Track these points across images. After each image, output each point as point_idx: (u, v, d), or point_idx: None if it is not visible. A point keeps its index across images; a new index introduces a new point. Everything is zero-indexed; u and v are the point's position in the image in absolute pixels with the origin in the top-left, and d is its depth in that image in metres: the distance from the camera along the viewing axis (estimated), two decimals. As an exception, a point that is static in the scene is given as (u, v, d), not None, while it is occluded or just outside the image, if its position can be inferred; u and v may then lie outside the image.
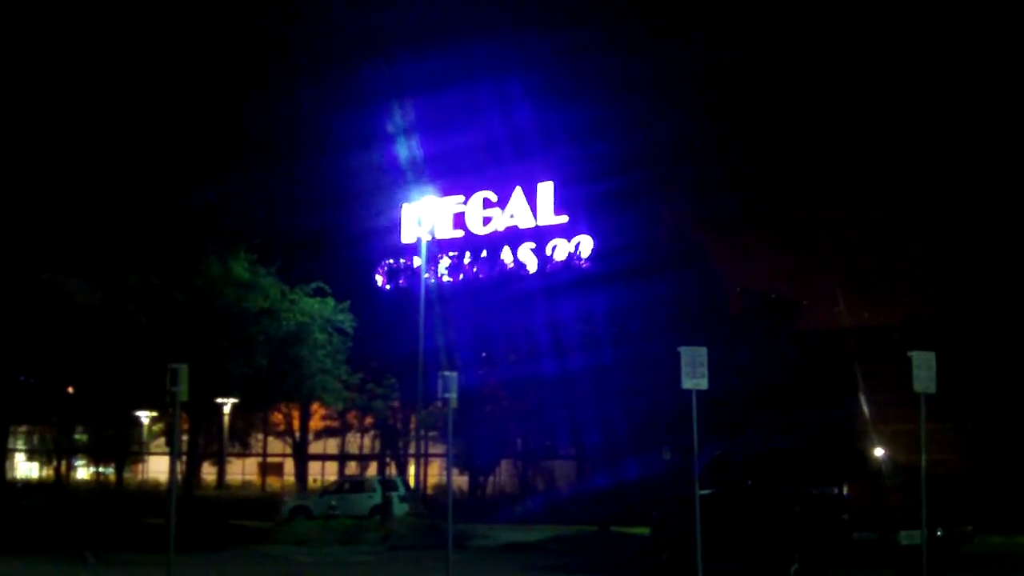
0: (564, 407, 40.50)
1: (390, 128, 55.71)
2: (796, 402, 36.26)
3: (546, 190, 57.11)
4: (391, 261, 60.09)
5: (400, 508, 39.63)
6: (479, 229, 58.89)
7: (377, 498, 41.02)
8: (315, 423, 59.42)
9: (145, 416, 55.87)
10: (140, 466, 65.68)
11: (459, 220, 59.36)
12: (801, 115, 49.89)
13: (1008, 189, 40.61)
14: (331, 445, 62.32)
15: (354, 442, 61.96)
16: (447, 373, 19.38)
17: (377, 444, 58.94)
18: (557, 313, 45.26)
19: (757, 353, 37.76)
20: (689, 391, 17.68)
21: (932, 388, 18.18)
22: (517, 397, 44.88)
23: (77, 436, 61.95)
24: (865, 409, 36.37)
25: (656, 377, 29.81)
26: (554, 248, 55.76)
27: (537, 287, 51.16)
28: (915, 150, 45.31)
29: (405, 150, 55.16)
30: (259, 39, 60.47)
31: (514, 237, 57.55)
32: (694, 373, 17.62)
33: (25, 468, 67.41)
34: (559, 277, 51.74)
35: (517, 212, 57.98)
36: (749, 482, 20.71)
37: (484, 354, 48.38)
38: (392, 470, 55.06)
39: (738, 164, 50.88)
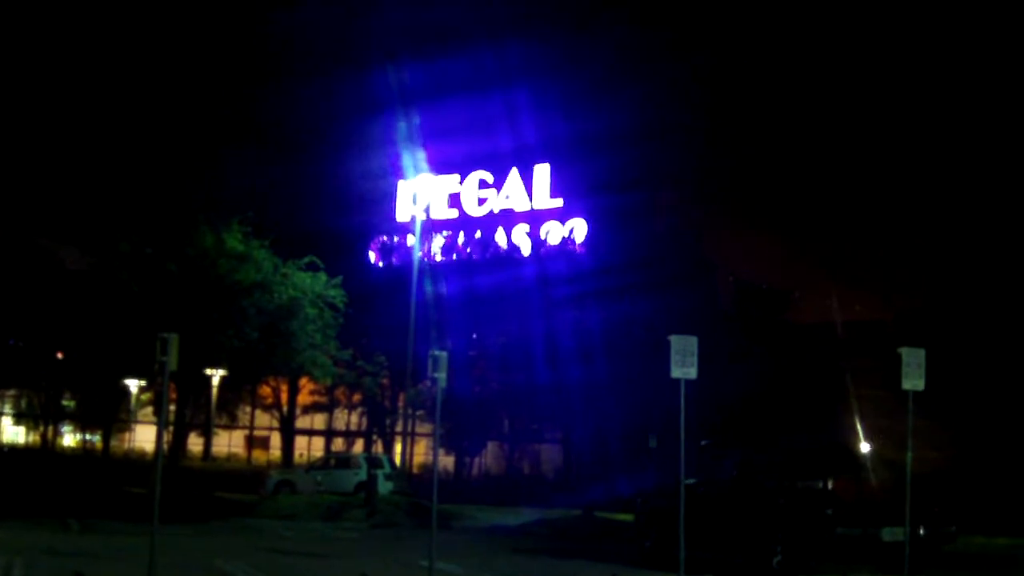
0: (552, 391, 40.51)
1: (389, 108, 55.67)
2: (785, 396, 36.30)
3: (542, 173, 57.06)
4: (385, 238, 60.08)
5: (385, 486, 39.62)
6: (474, 210, 58.85)
7: (362, 475, 40.97)
8: (303, 398, 59.47)
9: (133, 385, 55.85)
10: (127, 435, 65.67)
11: (454, 200, 59.31)
12: (796, 109, 49.93)
13: (999, 187, 40.66)
14: (318, 421, 62.39)
15: (341, 418, 62.05)
16: (437, 352, 19.33)
17: (364, 421, 59.01)
18: (549, 297, 45.29)
19: (748, 346, 37.78)
20: (677, 380, 17.66)
21: (920, 385, 18.19)
22: (506, 379, 44.89)
23: (65, 402, 61.94)
24: (853, 404, 36.41)
25: (646, 368, 29.86)
26: (548, 232, 55.75)
27: (530, 270, 51.18)
28: (907, 146, 45.37)
29: (403, 129, 55.10)
30: (254, 15, 60.29)
31: (509, 219, 57.55)
32: (683, 362, 17.60)
33: (11, 432, 67.40)
34: (552, 261, 51.77)
35: (513, 194, 57.95)
36: (734, 473, 20.75)
37: (475, 335, 48.41)
38: (378, 448, 55.11)
39: (732, 156, 50.93)
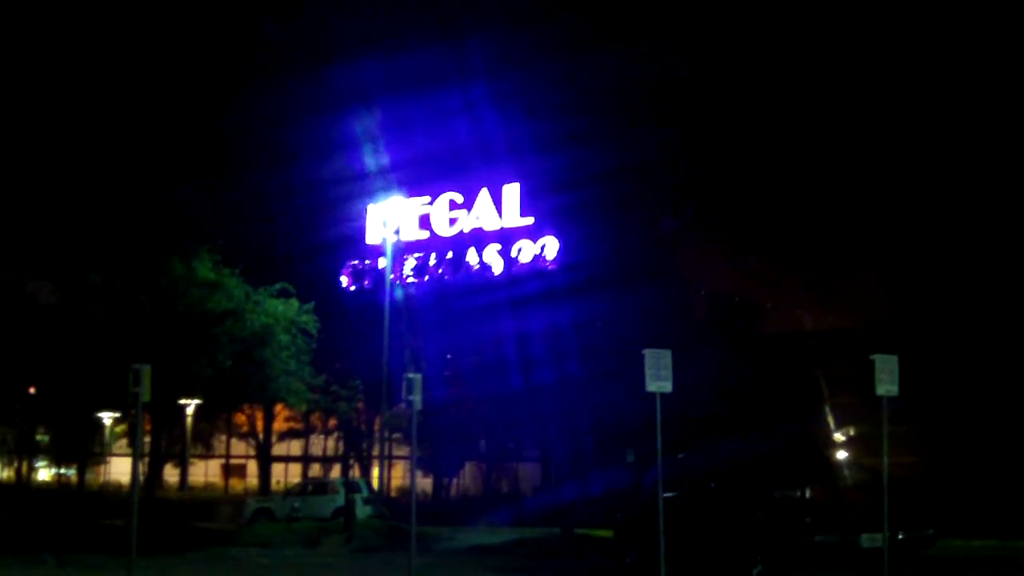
0: (529, 410, 40.49)
1: (356, 128, 55.54)
2: (760, 406, 36.37)
3: (512, 192, 56.98)
4: (356, 262, 59.87)
5: (363, 511, 39.49)
6: (445, 230, 58.72)
7: (340, 500, 40.82)
8: (279, 425, 59.21)
9: (107, 417, 55.49)
10: (102, 467, 65.29)
11: (425, 221, 59.14)
12: (767, 120, 50.06)
13: (970, 193, 40.90)
14: (295, 447, 62.13)
15: (318, 444, 61.83)
16: (411, 375, 19.33)
17: (341, 446, 58.79)
18: (522, 316, 45.21)
19: (722, 358, 37.86)
20: (653, 394, 17.69)
21: (894, 391, 18.30)
22: (482, 399, 44.82)
23: (39, 437, 61.51)
24: (828, 412, 36.55)
25: (621, 380, 29.86)
26: (520, 250, 55.68)
27: (502, 289, 51.11)
28: (878, 157, 45.56)
29: (371, 151, 54.99)
30: (223, 40, 60.10)
31: (480, 238, 57.40)
32: (658, 376, 17.65)
33: (-15, 469, 66.91)
34: (525, 279, 51.70)
35: (483, 214, 57.85)
36: (713, 485, 20.78)
37: (449, 356, 48.33)
38: (356, 472, 54.88)
39: (703, 168, 51.01)
